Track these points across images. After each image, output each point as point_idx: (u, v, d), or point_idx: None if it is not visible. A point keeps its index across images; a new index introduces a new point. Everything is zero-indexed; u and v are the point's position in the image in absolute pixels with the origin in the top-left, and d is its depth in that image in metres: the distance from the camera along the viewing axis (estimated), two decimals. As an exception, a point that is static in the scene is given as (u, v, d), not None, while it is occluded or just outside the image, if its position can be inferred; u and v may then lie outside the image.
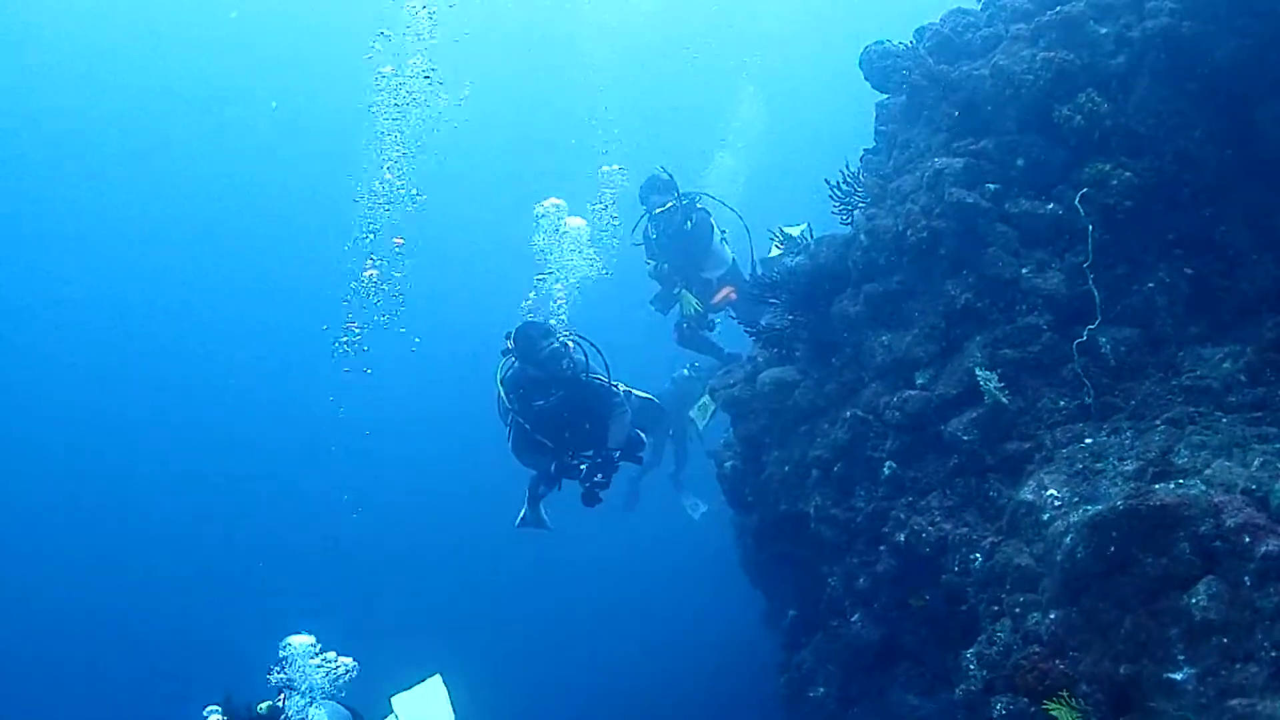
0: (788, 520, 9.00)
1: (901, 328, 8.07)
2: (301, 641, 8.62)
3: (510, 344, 9.89)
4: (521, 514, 10.90)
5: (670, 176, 13.14)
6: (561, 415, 10.01)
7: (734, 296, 13.28)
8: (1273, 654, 4.56)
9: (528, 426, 9.97)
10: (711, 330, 13.95)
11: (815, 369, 8.99)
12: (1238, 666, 4.65)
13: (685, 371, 16.94)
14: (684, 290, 13.37)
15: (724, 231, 13.41)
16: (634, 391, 11.05)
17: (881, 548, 7.75)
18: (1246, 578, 4.74)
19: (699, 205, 13.23)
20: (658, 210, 12.95)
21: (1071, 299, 7.29)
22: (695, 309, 13.34)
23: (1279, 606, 4.60)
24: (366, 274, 14.38)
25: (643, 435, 11.11)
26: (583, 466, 10.25)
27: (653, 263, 13.52)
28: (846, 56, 10.57)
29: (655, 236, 13.29)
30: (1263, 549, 4.71)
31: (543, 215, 12.64)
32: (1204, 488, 5.28)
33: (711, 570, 15.96)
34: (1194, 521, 4.99)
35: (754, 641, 13.11)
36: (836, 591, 8.41)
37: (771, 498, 9.26)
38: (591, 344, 10.16)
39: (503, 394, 10.04)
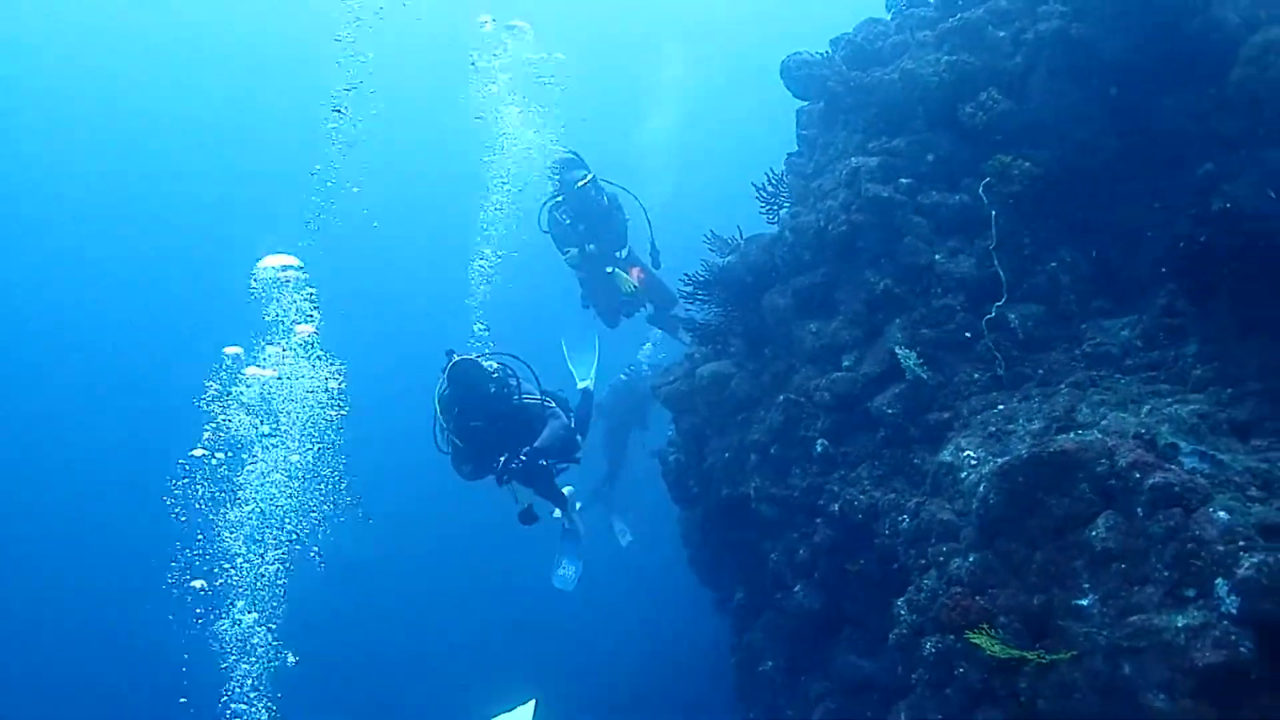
0: (731, 504, 9.48)
1: (827, 316, 8.63)
2: None
3: (447, 375, 9.96)
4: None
5: (579, 156, 13.13)
6: (495, 436, 10.05)
7: (643, 277, 13.39)
8: (1165, 574, 5.12)
9: (461, 445, 10.13)
10: (631, 316, 13.97)
11: (750, 360, 9.51)
12: (1135, 589, 5.20)
13: (622, 376, 17.28)
14: (616, 270, 13.23)
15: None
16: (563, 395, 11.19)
17: (818, 520, 8.27)
18: (1139, 509, 5.31)
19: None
20: (580, 184, 12.78)
21: (982, 280, 7.90)
22: (633, 287, 13.24)
23: (1168, 531, 5.16)
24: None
25: (578, 437, 11.19)
26: (514, 465, 9.92)
27: (572, 250, 13.20)
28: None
29: (570, 220, 13.05)
30: (1150, 481, 5.28)
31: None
32: (1100, 435, 5.86)
33: (663, 575, 16.07)
34: (1091, 463, 5.56)
35: (713, 636, 13.27)
36: (779, 566, 8.89)
37: (715, 485, 9.75)
38: (524, 362, 10.49)
39: (438, 411, 10.21)
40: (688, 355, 10.79)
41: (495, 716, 10.98)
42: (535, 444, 10.03)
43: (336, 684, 19.79)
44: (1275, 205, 6.78)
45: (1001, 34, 8.49)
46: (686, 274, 9.88)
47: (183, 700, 13.00)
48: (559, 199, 13.10)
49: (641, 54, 29.71)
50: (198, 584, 12.30)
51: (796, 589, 8.59)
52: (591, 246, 13.11)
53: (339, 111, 16.08)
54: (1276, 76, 7.34)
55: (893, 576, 7.32)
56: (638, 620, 19.50)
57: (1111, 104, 8.11)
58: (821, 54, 10.17)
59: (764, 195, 9.98)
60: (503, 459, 9.95)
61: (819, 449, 8.33)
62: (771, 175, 10.00)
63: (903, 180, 8.40)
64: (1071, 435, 6.02)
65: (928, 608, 6.37)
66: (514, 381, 10.29)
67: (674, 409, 10.69)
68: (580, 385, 12.90)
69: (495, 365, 10.36)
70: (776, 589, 8.99)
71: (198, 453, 12.20)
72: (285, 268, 11.85)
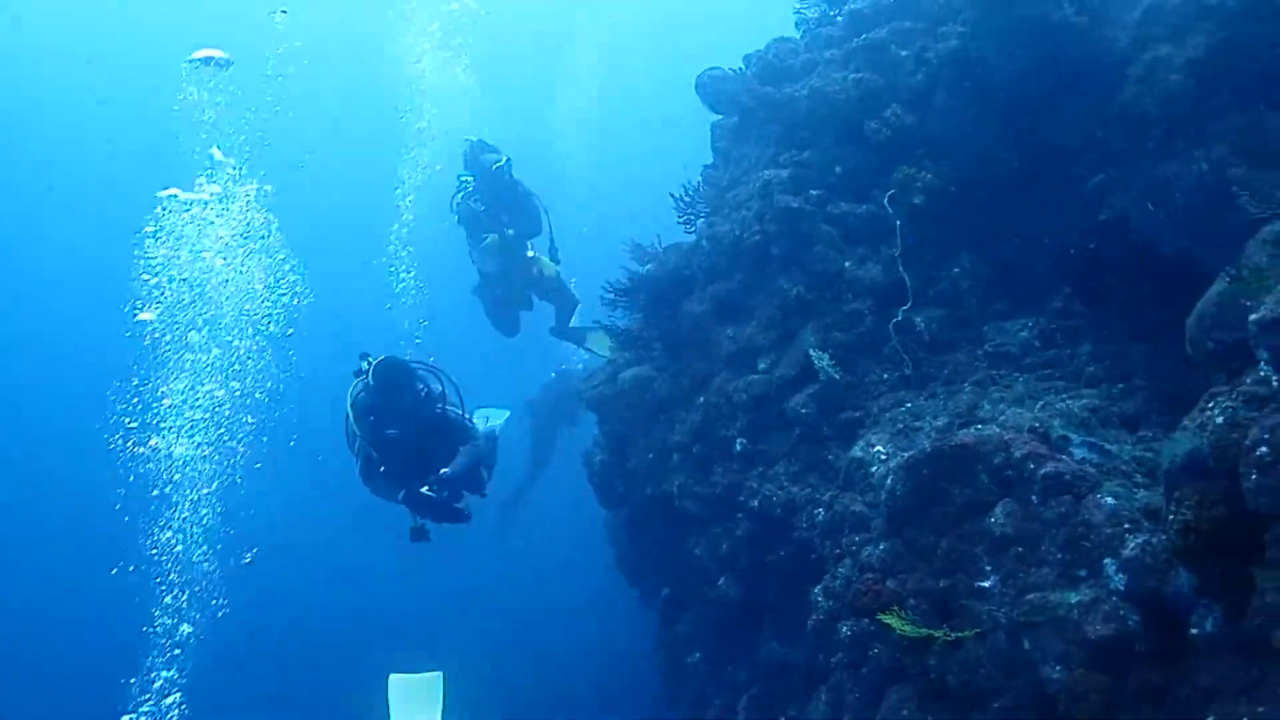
0: (655, 503, 9.85)
1: (744, 321, 9.03)
2: None
3: (367, 377, 9.51)
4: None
5: (490, 143, 12.92)
6: (412, 446, 9.61)
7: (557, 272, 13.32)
8: (1059, 556, 5.57)
9: (375, 455, 9.59)
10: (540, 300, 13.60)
11: (670, 364, 9.88)
12: (1032, 570, 5.65)
13: (552, 375, 17.59)
14: (537, 254, 13.09)
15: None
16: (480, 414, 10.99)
17: (739, 515, 8.67)
18: (1033, 496, 5.77)
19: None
20: (495, 165, 12.50)
21: (889, 286, 8.36)
22: (556, 271, 13.10)
23: (1060, 516, 5.61)
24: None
25: (484, 473, 10.74)
26: (429, 494, 9.54)
27: (492, 236, 12.74)
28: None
29: (485, 207, 12.67)
30: (1043, 471, 5.74)
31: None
32: (998, 429, 6.32)
33: (587, 576, 16.48)
34: (989, 455, 6.02)
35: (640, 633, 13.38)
36: (703, 560, 9.27)
37: (639, 484, 10.11)
38: (446, 375, 10.06)
39: (352, 419, 9.60)
40: (610, 360, 11.10)
41: (399, 674, 10.54)
42: (448, 472, 9.55)
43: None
44: (1154, 218, 7.30)
45: (904, 53, 8.95)
46: (608, 281, 10.20)
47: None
48: (470, 186, 12.79)
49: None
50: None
51: (720, 581, 8.98)
52: (511, 231, 12.85)
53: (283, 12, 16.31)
54: (1163, 94, 7.87)
55: (810, 566, 7.72)
56: (564, 618, 19.76)
57: (1008, 119, 8.60)
58: (734, 70, 10.59)
59: (681, 205, 10.37)
60: (415, 488, 9.56)
61: (738, 448, 8.73)
62: (688, 186, 10.40)
63: (813, 191, 8.83)
64: (972, 430, 6.47)
65: (843, 594, 6.78)
66: (438, 388, 9.92)
67: (599, 412, 11.00)
68: (489, 423, 12.02)
69: (418, 367, 9.90)
70: (702, 583, 9.37)
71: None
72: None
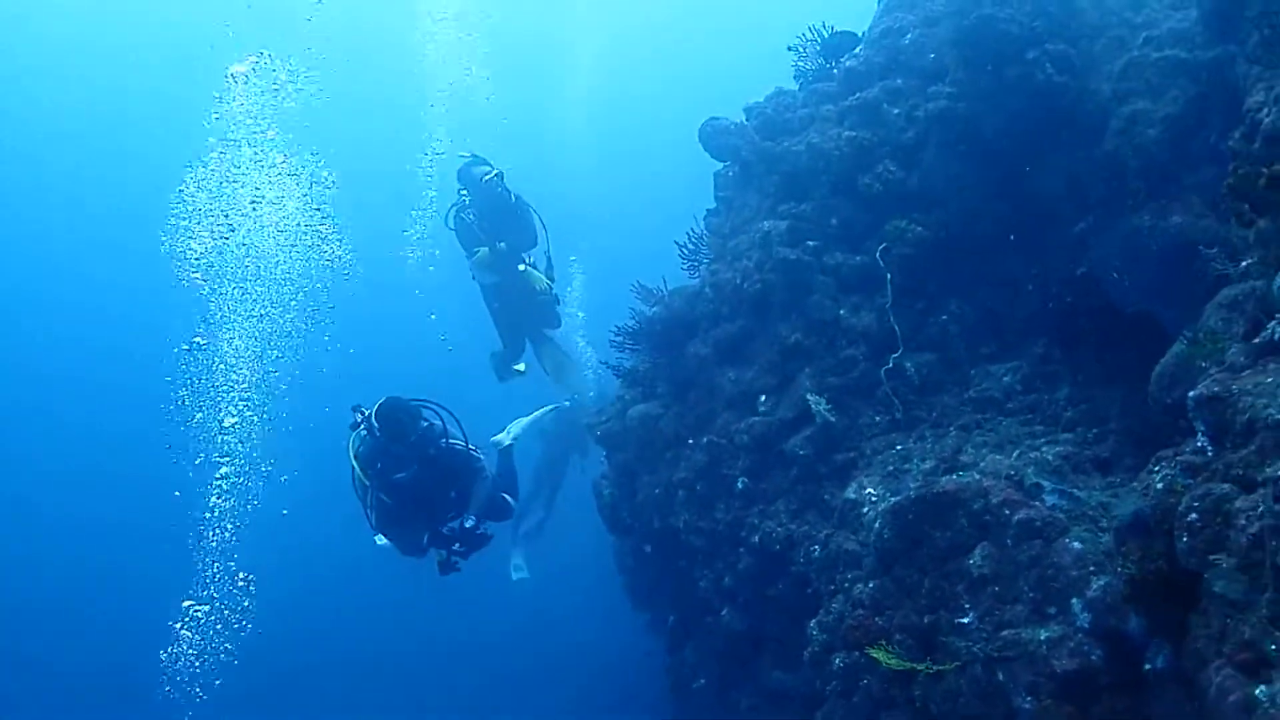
0: (662, 535, 10.34)
1: (745, 364, 9.55)
2: None
3: (367, 421, 9.60)
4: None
5: (483, 156, 13.03)
6: (424, 486, 9.72)
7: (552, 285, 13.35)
8: (1030, 595, 6.08)
9: (389, 502, 9.63)
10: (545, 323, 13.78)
11: (676, 403, 10.37)
12: (1007, 607, 6.16)
13: (566, 403, 17.98)
14: (528, 268, 13.05)
15: None
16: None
17: (741, 550, 9.16)
18: (1008, 540, 6.28)
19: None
20: (486, 178, 12.53)
21: (881, 333, 8.87)
22: (547, 285, 13.10)
23: (1032, 559, 6.13)
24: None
25: (508, 498, 11.19)
26: (455, 540, 9.83)
27: (482, 249, 12.90)
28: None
29: (476, 219, 12.81)
30: (1017, 517, 6.25)
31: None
32: (978, 476, 6.83)
33: (597, 595, 16.77)
34: (969, 502, 6.53)
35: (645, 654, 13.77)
36: (707, 592, 9.78)
37: (647, 517, 10.58)
38: (447, 410, 10.16)
39: (358, 470, 9.61)
40: (619, 397, 11.57)
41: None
42: (467, 519, 9.76)
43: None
44: (1119, 284, 7.85)
45: (896, 111, 9.48)
46: (617, 325, 10.72)
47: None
48: (465, 199, 12.97)
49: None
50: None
51: (724, 612, 9.47)
52: (502, 245, 12.90)
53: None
54: (1141, 146, 8.39)
55: (808, 600, 8.23)
56: (574, 639, 20.20)
57: (995, 172, 9.12)
58: (735, 123, 11.12)
59: (685, 252, 10.93)
60: (438, 529, 9.84)
61: (740, 486, 9.23)
62: (692, 234, 10.96)
63: (809, 242, 9.35)
64: (954, 476, 6.99)
65: (836, 627, 7.30)
66: (439, 422, 9.99)
67: (607, 446, 11.47)
68: (494, 439, 12.53)
69: (416, 405, 9.92)
70: (706, 613, 9.88)
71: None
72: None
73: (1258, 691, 3.65)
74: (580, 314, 19.55)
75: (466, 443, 10.24)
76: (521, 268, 13.08)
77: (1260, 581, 3.82)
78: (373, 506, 9.73)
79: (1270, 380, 4.24)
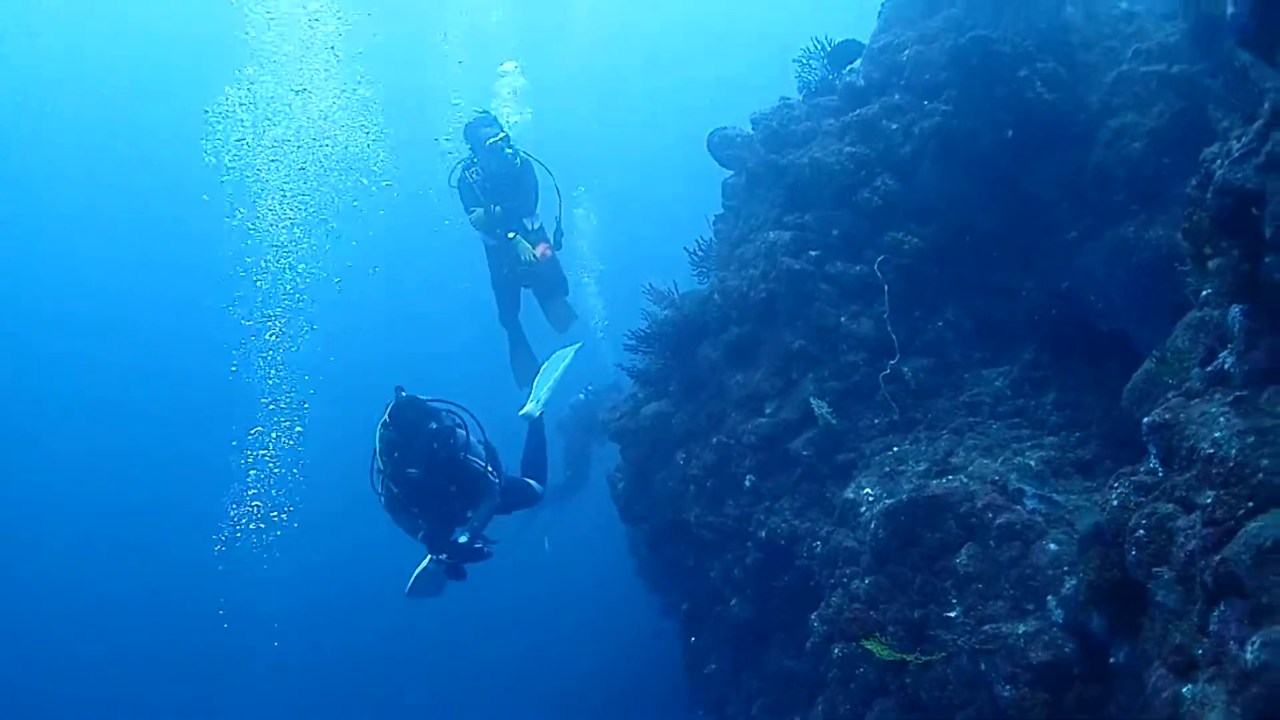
0: (674, 528, 10.89)
1: (752, 368, 10.08)
2: None
3: (387, 410, 9.60)
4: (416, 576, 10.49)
5: (494, 116, 12.98)
6: (432, 488, 9.70)
7: (549, 253, 13.16)
8: (1011, 592, 6.66)
9: (396, 491, 9.66)
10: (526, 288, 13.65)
11: (687, 402, 10.90)
12: (990, 603, 6.73)
13: (581, 396, 18.46)
14: (517, 236, 12.83)
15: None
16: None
17: (749, 544, 9.72)
18: (991, 541, 6.85)
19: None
20: (490, 141, 12.39)
21: (880, 339, 9.41)
22: (532, 256, 12.87)
23: (1012, 559, 6.70)
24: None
25: (533, 484, 11.17)
26: (444, 553, 9.76)
27: (478, 210, 12.74)
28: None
29: (479, 178, 12.66)
30: (999, 520, 6.84)
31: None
32: (965, 480, 7.38)
33: (614, 578, 17.35)
34: (956, 505, 7.11)
35: (657, 632, 14.56)
36: (717, 583, 10.33)
37: (659, 509, 11.14)
38: (469, 416, 10.18)
39: (378, 453, 9.67)
40: (631, 395, 12.05)
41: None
42: (464, 537, 9.71)
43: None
44: (1094, 306, 8.38)
45: (894, 126, 9.96)
46: (630, 330, 11.24)
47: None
48: (473, 159, 12.81)
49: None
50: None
51: (733, 602, 10.02)
52: (498, 208, 12.74)
53: None
54: (1127, 158, 8.88)
55: (811, 592, 8.79)
56: (590, 620, 20.86)
57: (989, 185, 9.60)
58: (742, 133, 11.61)
59: (695, 259, 11.47)
60: (434, 536, 9.82)
61: (747, 484, 9.78)
62: (700, 242, 11.51)
63: (812, 252, 9.87)
64: (944, 480, 7.53)
65: (835, 619, 7.87)
66: (462, 431, 10.02)
67: (621, 442, 11.96)
68: (523, 411, 12.05)
69: (440, 408, 9.98)
70: (716, 602, 10.43)
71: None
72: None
73: (1185, 690, 4.20)
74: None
75: (485, 465, 10.10)
76: (511, 235, 12.86)
77: (1194, 594, 4.37)
78: (383, 491, 9.79)
79: (1214, 410, 4.75)
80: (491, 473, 10.11)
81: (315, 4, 17.19)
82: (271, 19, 16.89)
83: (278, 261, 16.33)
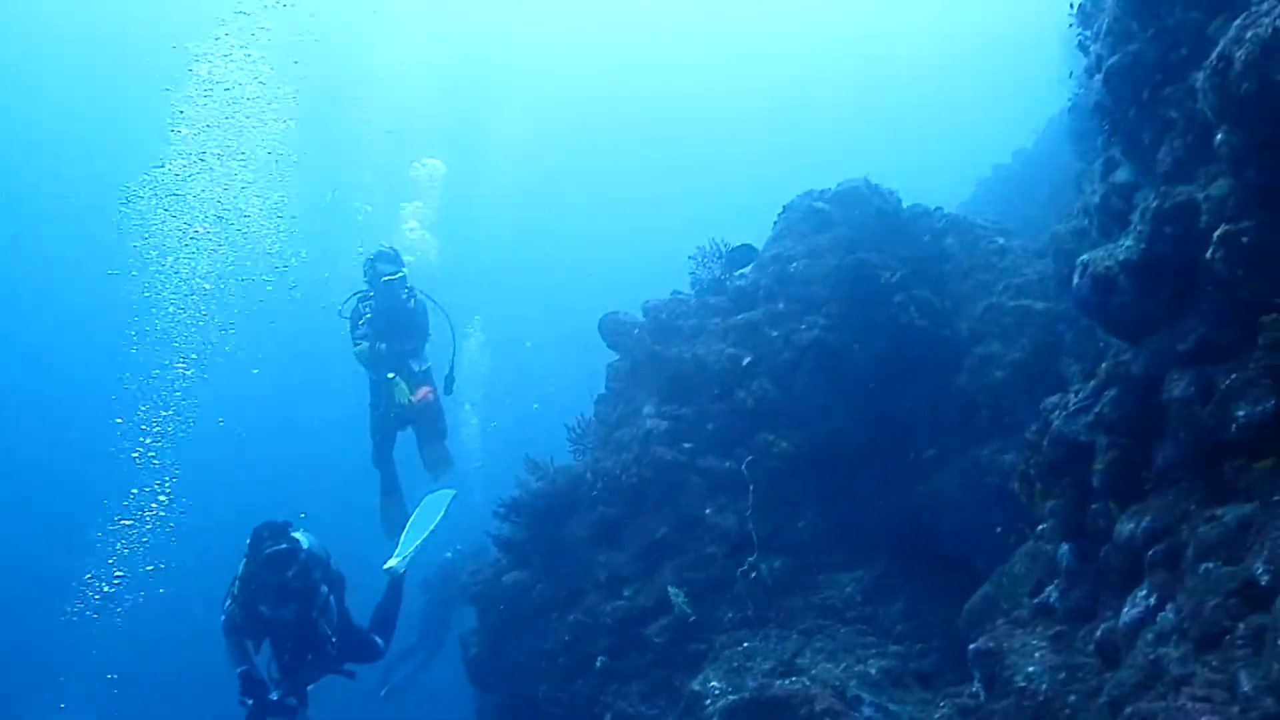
0: (523, 700, 10.87)
1: (617, 549, 10.31)
2: None
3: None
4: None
5: (397, 253, 12.93)
6: (280, 632, 9.31)
7: (431, 397, 12.93)
8: (842, 797, 6.90)
9: (238, 621, 9.20)
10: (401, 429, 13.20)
11: (548, 576, 11.02)
12: (821, 806, 6.96)
13: (449, 555, 18.26)
14: (397, 378, 12.63)
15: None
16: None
17: (594, 724, 9.82)
18: (828, 745, 7.10)
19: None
20: (387, 277, 12.36)
21: (742, 533, 9.72)
22: (407, 399, 12.66)
23: (846, 765, 6.96)
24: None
25: (378, 640, 10.49)
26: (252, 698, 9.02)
27: (363, 344, 12.51)
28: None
29: (371, 315, 12.51)
30: (835, 725, 7.10)
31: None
32: (808, 683, 7.65)
33: None
34: (796, 707, 7.35)
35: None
36: (561, 761, 10.36)
37: (510, 680, 11.16)
38: (337, 580, 9.75)
39: (239, 575, 9.29)
40: (495, 560, 12.10)
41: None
42: (275, 694, 9.18)
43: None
44: (937, 530, 8.86)
45: (775, 334, 10.48)
46: (501, 497, 11.38)
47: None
48: (369, 292, 12.69)
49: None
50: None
51: (576, 784, 10.06)
52: (382, 346, 12.50)
53: None
54: (989, 384, 9.49)
55: (650, 780, 8.92)
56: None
57: (860, 397, 10.12)
58: (632, 320, 12.06)
59: (573, 436, 11.78)
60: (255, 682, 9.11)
61: (599, 664, 9.90)
62: (580, 420, 11.83)
63: (685, 444, 10.25)
64: (788, 681, 7.79)
65: (671, 811, 8.01)
66: (324, 589, 9.45)
67: (479, 606, 11.99)
68: (387, 565, 11.23)
69: (316, 559, 9.38)
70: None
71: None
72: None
73: None
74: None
75: (332, 635, 9.51)
76: (390, 375, 12.64)
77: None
78: (226, 612, 9.29)
79: (1034, 643, 5.13)
80: (333, 643, 9.53)
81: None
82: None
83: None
